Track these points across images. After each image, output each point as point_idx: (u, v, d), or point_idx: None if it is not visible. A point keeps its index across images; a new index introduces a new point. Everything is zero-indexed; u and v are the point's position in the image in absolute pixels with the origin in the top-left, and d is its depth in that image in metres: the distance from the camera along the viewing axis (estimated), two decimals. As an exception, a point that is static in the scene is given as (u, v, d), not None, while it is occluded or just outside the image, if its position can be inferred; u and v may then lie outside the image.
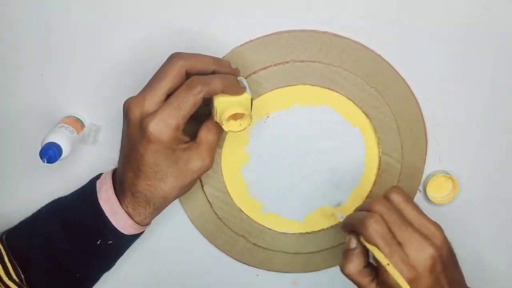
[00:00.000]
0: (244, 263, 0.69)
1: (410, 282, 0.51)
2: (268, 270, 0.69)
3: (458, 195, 0.66)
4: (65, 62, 0.62)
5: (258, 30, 0.61)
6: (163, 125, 0.53)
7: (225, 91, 0.54)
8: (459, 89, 0.63)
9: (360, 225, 0.54)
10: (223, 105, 0.55)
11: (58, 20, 0.60)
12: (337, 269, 0.68)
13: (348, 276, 0.55)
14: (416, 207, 0.55)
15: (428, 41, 0.62)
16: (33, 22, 0.60)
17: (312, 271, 0.69)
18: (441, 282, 0.53)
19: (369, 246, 0.53)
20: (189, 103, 0.53)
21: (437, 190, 0.66)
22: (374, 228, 0.53)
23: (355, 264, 0.55)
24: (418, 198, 0.67)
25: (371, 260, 0.56)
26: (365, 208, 0.56)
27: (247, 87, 0.57)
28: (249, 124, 0.56)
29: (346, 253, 0.56)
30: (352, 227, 0.56)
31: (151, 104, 0.54)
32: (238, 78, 0.57)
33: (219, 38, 0.61)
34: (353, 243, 0.55)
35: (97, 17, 0.60)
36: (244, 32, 0.61)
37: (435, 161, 0.66)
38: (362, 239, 0.54)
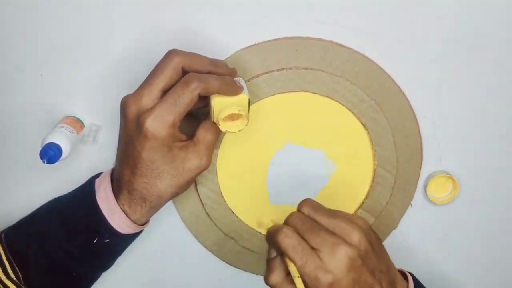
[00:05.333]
0: (232, 265, 0.69)
1: (329, 286, 0.51)
2: (257, 274, 0.69)
3: (458, 195, 0.66)
4: (65, 62, 0.61)
5: (263, 35, 0.61)
6: (160, 122, 0.53)
7: (221, 91, 0.54)
8: (459, 89, 0.63)
9: (273, 241, 0.54)
10: (220, 105, 0.55)
11: (58, 20, 0.60)
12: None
13: (272, 286, 0.54)
14: (326, 212, 0.55)
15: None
16: (32, 22, 0.59)
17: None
18: (363, 276, 0.53)
19: (284, 258, 0.53)
20: (185, 99, 0.53)
21: (438, 190, 0.66)
22: (284, 242, 0.53)
23: (277, 273, 0.54)
24: (419, 198, 0.67)
25: None
26: (284, 222, 0.57)
27: (244, 87, 0.56)
28: (246, 125, 0.56)
29: (267, 263, 0.56)
30: (269, 240, 0.56)
31: (147, 100, 0.54)
32: (236, 78, 0.57)
33: (224, 40, 0.61)
34: (272, 252, 0.56)
35: (97, 17, 0.60)
36: (249, 36, 0.61)
37: (435, 161, 0.65)
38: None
